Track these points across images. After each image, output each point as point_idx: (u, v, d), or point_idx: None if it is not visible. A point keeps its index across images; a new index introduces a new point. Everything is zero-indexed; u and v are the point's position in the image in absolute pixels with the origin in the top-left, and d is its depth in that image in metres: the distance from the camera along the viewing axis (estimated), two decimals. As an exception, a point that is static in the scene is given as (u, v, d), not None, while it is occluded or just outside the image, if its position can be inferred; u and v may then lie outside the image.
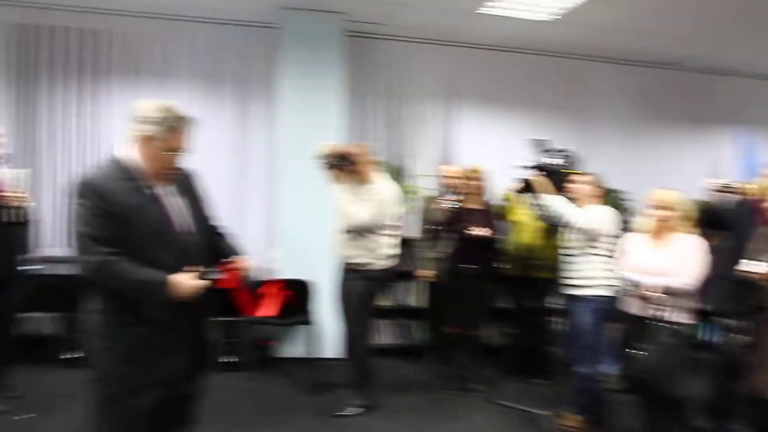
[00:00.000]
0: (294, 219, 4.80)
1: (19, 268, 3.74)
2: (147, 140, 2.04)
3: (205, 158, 4.93)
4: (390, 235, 3.81)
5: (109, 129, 5.02)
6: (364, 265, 3.74)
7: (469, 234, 4.07)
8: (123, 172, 2.04)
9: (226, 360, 4.52)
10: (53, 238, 4.95)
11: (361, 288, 3.76)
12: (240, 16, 5.01)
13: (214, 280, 2.17)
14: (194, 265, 2.06)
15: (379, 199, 3.70)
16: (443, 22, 5.01)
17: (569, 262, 3.62)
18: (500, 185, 4.57)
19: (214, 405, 3.76)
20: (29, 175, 3.85)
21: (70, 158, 5.04)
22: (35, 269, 4.47)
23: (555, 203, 3.55)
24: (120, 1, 4.77)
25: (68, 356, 4.35)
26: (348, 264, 3.81)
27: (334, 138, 4.58)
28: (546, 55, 5.67)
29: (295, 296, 4.39)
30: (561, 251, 3.79)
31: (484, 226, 4.14)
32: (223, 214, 4.90)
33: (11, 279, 3.60)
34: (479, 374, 4.37)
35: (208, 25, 5.08)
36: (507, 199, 4.55)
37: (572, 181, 3.65)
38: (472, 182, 4.22)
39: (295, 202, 4.79)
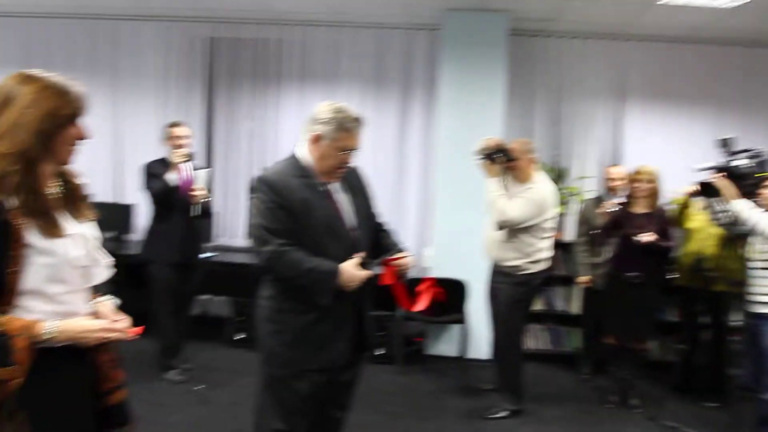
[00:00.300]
0: (449, 219, 4.83)
1: (201, 255, 4.20)
2: (318, 139, 2.15)
3: (367, 157, 5.29)
4: (544, 238, 3.67)
5: (283, 131, 5.43)
6: (516, 268, 3.64)
7: (636, 239, 3.77)
8: (297, 169, 2.18)
9: (378, 353, 4.66)
10: (230, 230, 5.52)
11: (513, 293, 3.66)
12: (404, 20, 5.13)
13: (377, 273, 2.24)
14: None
15: (536, 198, 3.56)
16: (617, 15, 4.68)
17: (756, 276, 3.23)
18: (673, 188, 4.19)
19: (364, 395, 3.95)
20: (210, 174, 4.28)
21: (246, 158, 5.53)
22: (214, 257, 4.97)
23: (742, 209, 3.19)
24: (293, 12, 5.12)
25: (239, 337, 4.78)
26: (500, 266, 3.73)
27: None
28: (729, 45, 5.10)
29: (448, 295, 4.39)
30: (745, 263, 3.40)
31: (651, 231, 3.82)
32: (382, 211, 5.24)
33: (194, 265, 4.06)
34: (640, 390, 4.07)
35: (374, 30, 5.28)
36: (680, 204, 4.16)
37: (763, 186, 3.25)
38: (639, 184, 3.91)
39: (451, 202, 4.81)
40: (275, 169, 2.23)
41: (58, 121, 1.40)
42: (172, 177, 3.79)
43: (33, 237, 1.37)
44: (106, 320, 1.52)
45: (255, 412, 2.41)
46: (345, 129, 2.13)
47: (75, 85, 1.45)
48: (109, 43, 5.54)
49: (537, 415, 3.79)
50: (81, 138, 1.48)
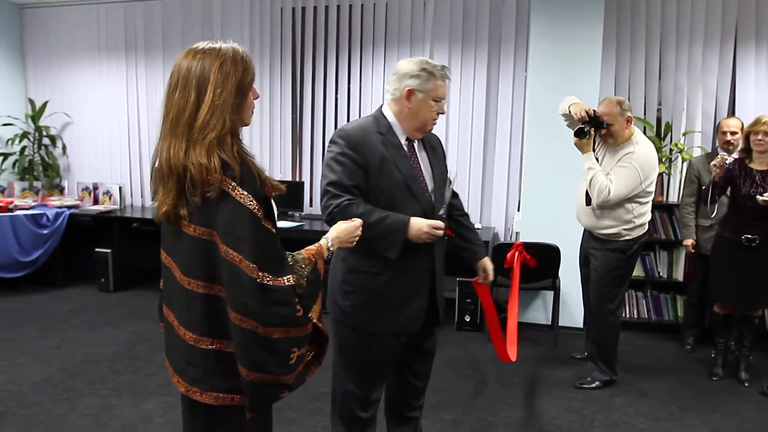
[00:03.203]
0: (538, 181, 4.62)
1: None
2: (410, 94, 2.10)
3: (454, 119, 5.20)
4: (645, 203, 3.41)
5: (369, 96, 5.44)
6: (614, 235, 3.42)
7: (764, 199, 3.39)
8: (380, 126, 2.13)
9: (465, 319, 4.64)
10: (315, 200, 5.67)
11: (609, 260, 3.45)
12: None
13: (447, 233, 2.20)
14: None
15: (638, 165, 3.27)
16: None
17: None
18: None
19: (452, 362, 3.97)
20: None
21: (334, 127, 5.59)
22: (300, 226, 5.10)
23: None
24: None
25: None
26: (596, 234, 3.52)
27: (590, 94, 4.27)
28: None
29: (539, 260, 4.26)
30: None
31: (772, 190, 3.44)
32: (472, 174, 5.13)
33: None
34: (751, 363, 3.76)
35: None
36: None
37: None
38: (759, 137, 3.50)
39: (540, 163, 4.59)
40: (355, 124, 2.17)
41: (244, 90, 1.48)
42: None
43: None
44: (351, 224, 1.82)
45: (333, 374, 2.45)
46: (437, 77, 2.10)
47: (242, 50, 1.50)
48: (202, 20, 5.76)
49: (633, 387, 3.62)
50: (256, 97, 1.56)
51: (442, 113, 2.17)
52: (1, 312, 4.92)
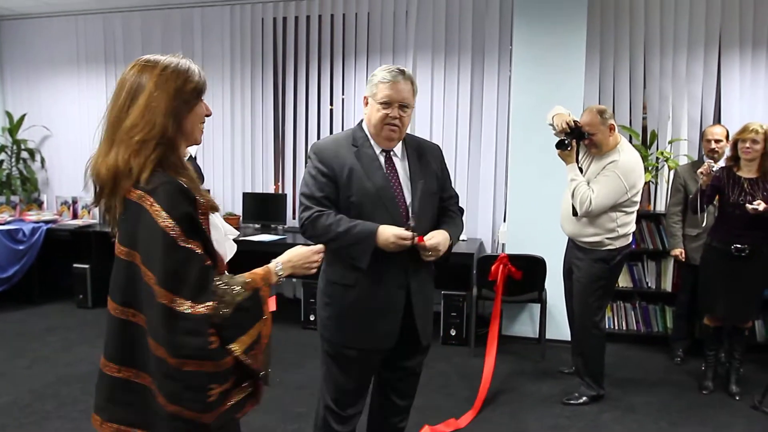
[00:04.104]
0: (525, 191, 4.53)
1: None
2: (366, 102, 2.13)
3: (440, 129, 5.12)
4: (629, 212, 3.34)
5: (352, 107, 5.36)
6: (596, 244, 3.35)
7: (753, 207, 3.32)
8: (355, 138, 2.14)
9: (450, 333, 4.53)
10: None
11: (593, 270, 3.37)
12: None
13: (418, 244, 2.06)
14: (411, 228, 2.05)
15: (621, 174, 3.21)
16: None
17: None
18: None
19: (436, 378, 3.86)
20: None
21: (316, 138, 5.50)
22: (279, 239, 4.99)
23: None
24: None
25: (312, 318, 4.81)
26: (579, 242, 3.45)
27: (575, 102, 4.21)
28: None
29: (524, 273, 4.18)
30: None
31: (761, 198, 3.37)
32: (457, 184, 5.04)
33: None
34: (742, 375, 3.68)
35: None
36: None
37: None
38: (746, 144, 3.43)
39: (527, 173, 4.50)
40: (330, 138, 2.24)
41: (185, 97, 1.40)
42: None
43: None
44: (308, 248, 1.65)
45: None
46: (382, 81, 2.05)
47: (188, 62, 1.45)
48: (182, 31, 5.69)
49: (621, 402, 3.52)
50: (208, 114, 1.50)
51: (396, 118, 2.06)
52: (-26, 330, 4.78)
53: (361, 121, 2.19)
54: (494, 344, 3.65)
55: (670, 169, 4.58)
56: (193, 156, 4.55)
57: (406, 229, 2.02)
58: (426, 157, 2.22)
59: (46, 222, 5.60)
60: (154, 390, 1.34)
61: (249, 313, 1.40)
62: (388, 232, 2.00)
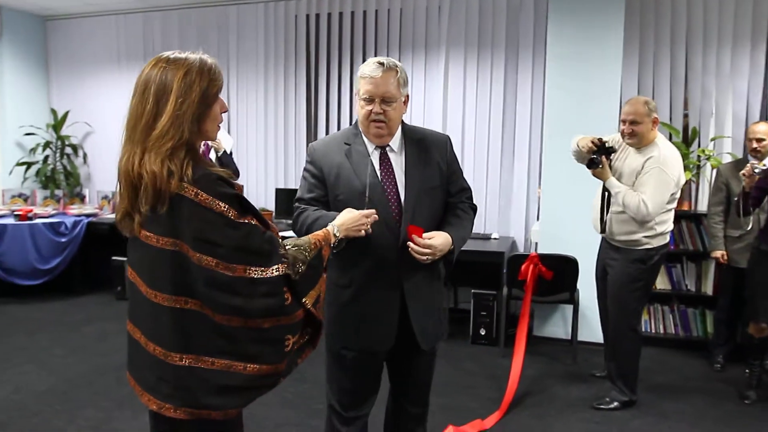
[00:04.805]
0: (559, 190, 4.42)
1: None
2: (356, 97, 2.09)
3: (473, 127, 5.05)
4: (667, 209, 3.21)
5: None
6: (632, 243, 3.24)
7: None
8: (348, 135, 2.09)
9: (480, 333, 4.47)
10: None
11: (628, 270, 3.26)
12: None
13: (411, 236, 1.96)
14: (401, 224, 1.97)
15: (660, 166, 3.10)
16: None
17: None
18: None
19: (464, 378, 3.81)
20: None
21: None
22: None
23: None
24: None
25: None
26: (613, 241, 3.34)
27: (611, 99, 4.12)
28: None
29: (557, 273, 4.09)
30: None
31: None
32: (489, 182, 4.97)
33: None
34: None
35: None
36: None
37: None
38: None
39: (561, 171, 4.38)
40: (325, 137, 2.21)
41: (208, 101, 1.45)
42: None
43: None
44: (359, 212, 1.86)
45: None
46: (362, 76, 1.97)
47: (208, 59, 1.48)
48: (218, 28, 5.77)
49: (654, 409, 3.40)
50: (224, 111, 1.54)
51: (380, 113, 1.95)
52: (17, 319, 4.96)
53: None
54: (522, 344, 3.58)
55: (712, 167, 4.41)
56: (229, 152, 4.63)
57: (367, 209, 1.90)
58: (428, 150, 2.08)
59: (87, 215, 5.77)
60: (220, 366, 1.44)
61: (317, 269, 1.58)
62: (350, 213, 1.86)
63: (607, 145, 3.24)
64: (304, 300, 1.51)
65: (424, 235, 1.95)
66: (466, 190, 2.19)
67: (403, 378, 2.19)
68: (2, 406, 3.34)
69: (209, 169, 1.43)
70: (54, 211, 5.88)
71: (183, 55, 1.45)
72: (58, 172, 6.26)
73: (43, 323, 4.86)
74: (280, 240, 1.53)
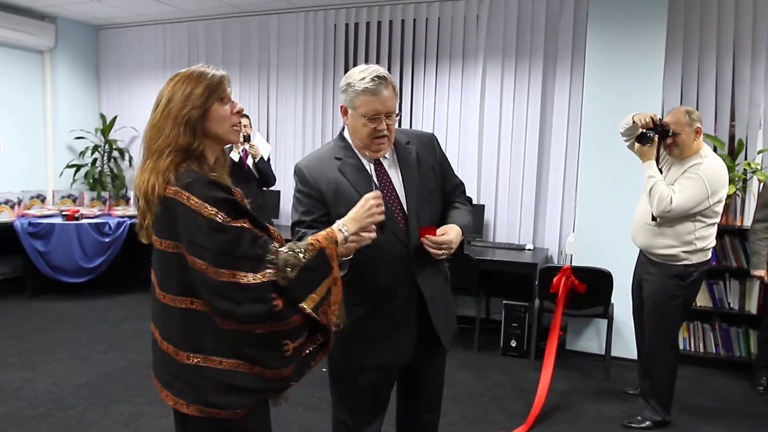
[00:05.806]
0: (595, 202, 4.33)
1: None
2: (344, 112, 1.92)
3: (509, 136, 5.01)
4: (710, 224, 3.09)
5: (423, 111, 5.35)
6: (671, 257, 3.13)
7: None
8: (339, 149, 1.97)
9: (510, 344, 4.40)
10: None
11: (666, 286, 3.15)
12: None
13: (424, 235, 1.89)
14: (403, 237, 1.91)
15: (705, 177, 2.98)
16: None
17: None
18: None
19: (492, 390, 3.76)
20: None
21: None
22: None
23: None
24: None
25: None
26: (651, 255, 3.23)
27: (652, 110, 3.94)
28: None
29: (591, 286, 3.99)
30: None
31: None
32: (525, 192, 4.90)
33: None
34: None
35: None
36: None
37: None
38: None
39: (598, 183, 4.31)
40: (313, 155, 2.02)
41: (195, 102, 1.49)
42: (233, 155, 4.50)
43: None
44: (363, 198, 1.69)
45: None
46: (363, 93, 1.82)
47: (207, 67, 1.55)
48: (259, 37, 5.89)
49: (688, 431, 3.28)
50: (236, 111, 1.57)
51: (382, 130, 1.85)
52: (62, 314, 5.16)
53: (343, 129, 2.00)
54: (551, 358, 3.51)
55: (759, 181, 4.24)
56: (266, 158, 4.71)
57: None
58: (419, 153, 2.01)
59: (131, 217, 5.95)
60: (227, 366, 1.46)
61: (316, 271, 1.51)
62: (356, 206, 1.71)
63: (666, 127, 3.10)
64: (302, 305, 1.47)
65: (437, 231, 1.90)
66: (460, 186, 2.17)
67: (417, 386, 2.15)
68: (41, 398, 3.48)
69: (203, 174, 1.47)
70: (99, 212, 6.10)
71: (183, 69, 1.55)
72: (105, 175, 6.50)
73: (86, 320, 5.04)
74: (282, 243, 1.54)
